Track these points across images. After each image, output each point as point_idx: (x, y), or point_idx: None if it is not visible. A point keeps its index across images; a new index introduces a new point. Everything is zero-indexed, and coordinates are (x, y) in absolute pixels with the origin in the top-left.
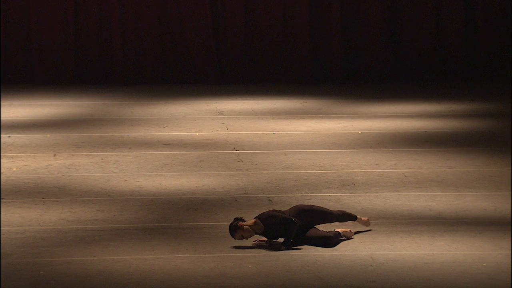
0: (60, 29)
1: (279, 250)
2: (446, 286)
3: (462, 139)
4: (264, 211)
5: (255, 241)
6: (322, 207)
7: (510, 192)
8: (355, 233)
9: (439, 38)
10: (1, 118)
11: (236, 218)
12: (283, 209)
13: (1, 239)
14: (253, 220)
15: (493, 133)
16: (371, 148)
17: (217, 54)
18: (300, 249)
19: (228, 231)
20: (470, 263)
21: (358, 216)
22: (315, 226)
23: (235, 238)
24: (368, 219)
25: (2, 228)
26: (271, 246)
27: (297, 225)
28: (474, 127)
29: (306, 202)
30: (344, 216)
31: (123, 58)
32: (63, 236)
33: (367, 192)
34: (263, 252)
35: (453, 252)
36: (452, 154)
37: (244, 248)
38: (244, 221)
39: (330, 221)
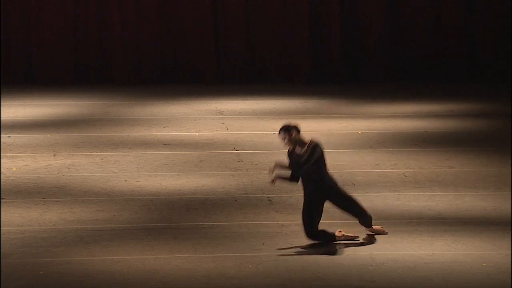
0: (60, 29)
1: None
2: (446, 286)
3: (461, 139)
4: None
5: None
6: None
7: (510, 192)
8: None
9: (439, 38)
10: (1, 118)
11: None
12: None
13: (1, 239)
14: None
15: (492, 133)
16: (371, 148)
17: (217, 54)
18: (300, 248)
19: None
20: (470, 263)
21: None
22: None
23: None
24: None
25: (2, 228)
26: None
27: (294, 177)
28: (474, 127)
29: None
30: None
31: (123, 58)
32: (63, 236)
33: (367, 192)
34: (263, 252)
35: (453, 252)
36: (451, 154)
37: (244, 248)
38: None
39: (351, 212)
